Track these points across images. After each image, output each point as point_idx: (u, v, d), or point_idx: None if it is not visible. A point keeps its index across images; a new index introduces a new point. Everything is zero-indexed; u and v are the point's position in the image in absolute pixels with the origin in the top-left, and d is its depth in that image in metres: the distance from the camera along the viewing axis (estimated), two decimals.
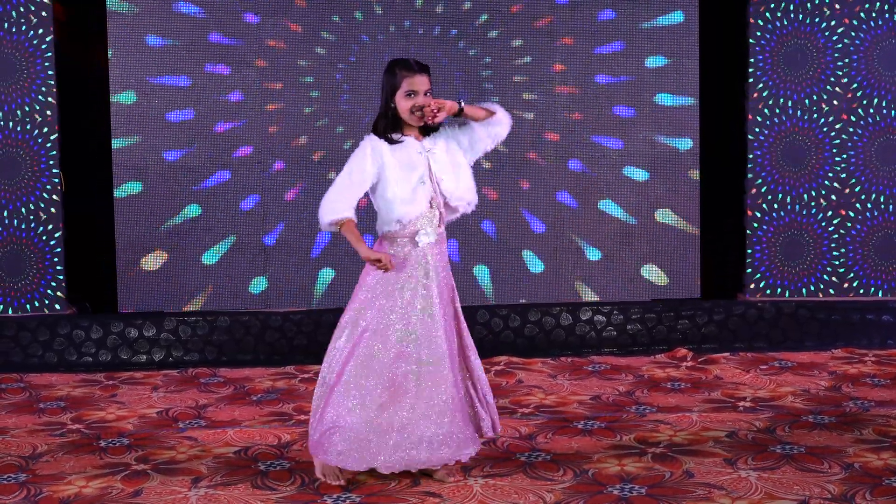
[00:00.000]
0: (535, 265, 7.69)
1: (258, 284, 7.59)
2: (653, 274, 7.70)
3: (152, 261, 7.54)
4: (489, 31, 7.59)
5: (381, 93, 4.82)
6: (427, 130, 4.86)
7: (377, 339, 4.71)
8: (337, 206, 4.72)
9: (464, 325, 4.91)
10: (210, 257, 7.57)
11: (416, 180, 4.76)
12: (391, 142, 4.78)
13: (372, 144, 4.77)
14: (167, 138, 7.51)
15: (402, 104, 4.75)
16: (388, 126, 4.79)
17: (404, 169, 4.75)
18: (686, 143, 7.64)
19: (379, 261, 4.66)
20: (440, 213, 4.82)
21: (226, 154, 7.56)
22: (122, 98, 7.45)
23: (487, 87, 7.59)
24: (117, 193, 7.49)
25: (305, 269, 7.61)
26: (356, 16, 7.55)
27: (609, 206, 7.69)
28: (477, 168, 5.13)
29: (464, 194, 4.85)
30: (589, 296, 7.67)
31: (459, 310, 4.91)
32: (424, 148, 4.81)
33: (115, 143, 7.47)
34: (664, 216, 7.69)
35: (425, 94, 4.73)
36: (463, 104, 4.79)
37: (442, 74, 7.39)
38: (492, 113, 4.86)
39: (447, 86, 7.41)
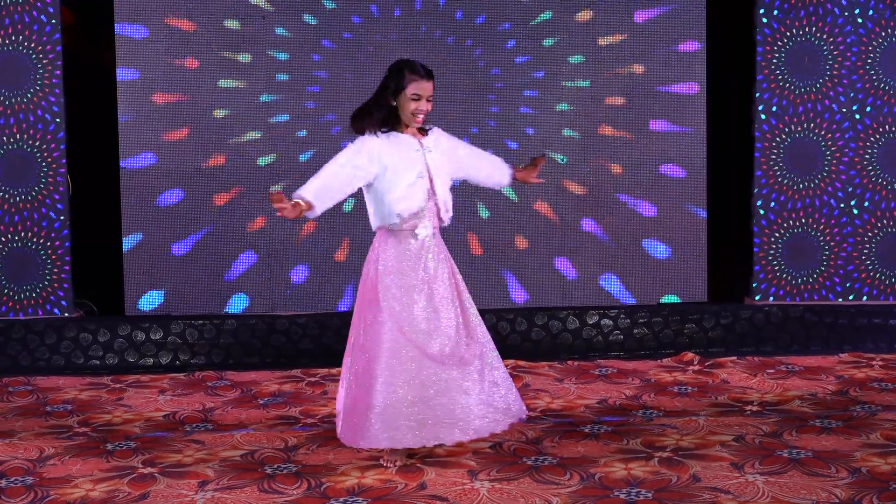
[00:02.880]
0: (536, 267, 7.69)
1: (260, 285, 7.60)
2: (659, 277, 7.69)
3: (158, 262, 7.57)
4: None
5: (383, 88, 4.97)
6: (425, 130, 5.10)
7: (396, 332, 4.89)
8: (309, 185, 4.91)
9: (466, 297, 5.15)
10: (214, 257, 7.58)
11: (414, 175, 4.96)
12: (385, 133, 4.96)
13: (368, 141, 4.95)
14: (174, 133, 7.53)
15: (408, 106, 4.95)
16: (385, 119, 4.96)
17: (402, 164, 4.96)
18: (690, 155, 7.66)
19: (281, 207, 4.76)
20: (437, 206, 5.04)
21: (227, 149, 7.57)
22: (128, 84, 7.48)
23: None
24: (123, 197, 7.50)
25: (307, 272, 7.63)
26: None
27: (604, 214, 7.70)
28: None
29: (447, 199, 5.09)
30: (594, 300, 7.66)
31: (461, 283, 5.14)
32: (423, 146, 5.02)
33: (122, 139, 7.49)
34: (670, 221, 7.67)
35: (427, 100, 4.98)
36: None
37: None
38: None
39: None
